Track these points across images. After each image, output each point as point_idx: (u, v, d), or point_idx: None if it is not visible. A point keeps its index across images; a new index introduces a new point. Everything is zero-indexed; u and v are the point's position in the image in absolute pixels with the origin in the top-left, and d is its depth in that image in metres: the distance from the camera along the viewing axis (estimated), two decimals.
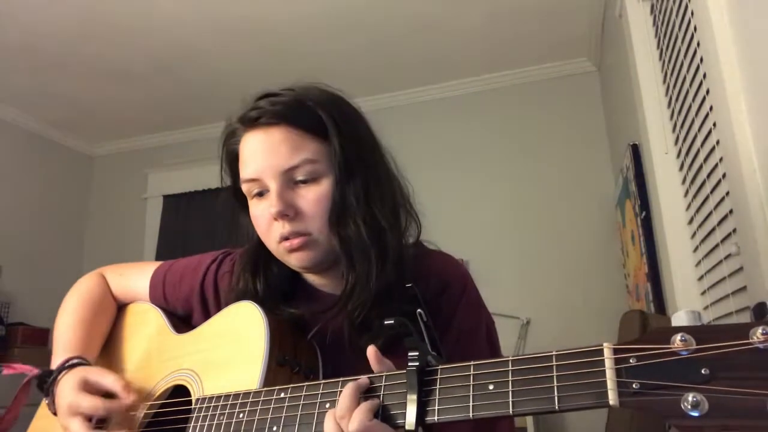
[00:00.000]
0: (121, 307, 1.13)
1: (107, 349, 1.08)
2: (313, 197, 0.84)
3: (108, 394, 0.92)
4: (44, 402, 0.99)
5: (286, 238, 0.84)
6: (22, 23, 2.93)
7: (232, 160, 0.93)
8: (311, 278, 0.94)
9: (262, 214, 0.86)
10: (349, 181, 0.85)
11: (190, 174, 4.18)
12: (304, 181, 0.85)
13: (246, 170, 0.87)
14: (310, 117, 0.86)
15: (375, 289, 0.83)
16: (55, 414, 0.93)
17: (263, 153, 0.85)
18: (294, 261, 0.86)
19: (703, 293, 1.67)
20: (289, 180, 0.85)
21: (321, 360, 0.87)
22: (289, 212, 0.83)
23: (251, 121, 0.88)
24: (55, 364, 0.97)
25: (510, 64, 3.52)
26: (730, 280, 1.38)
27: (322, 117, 0.86)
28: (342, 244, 0.84)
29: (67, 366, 0.95)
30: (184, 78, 3.54)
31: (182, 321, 1.04)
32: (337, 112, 0.88)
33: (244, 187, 0.89)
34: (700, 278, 1.69)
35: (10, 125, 3.88)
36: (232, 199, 0.96)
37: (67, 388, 0.90)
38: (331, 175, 0.85)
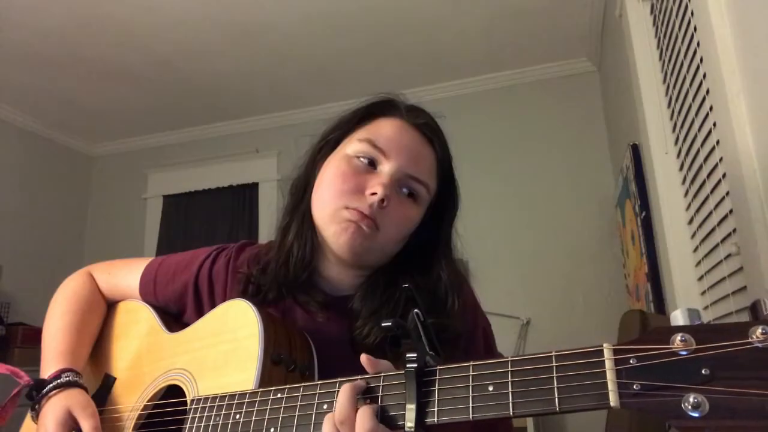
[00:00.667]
0: (111, 305, 1.11)
1: (98, 348, 1.06)
2: (406, 213, 0.87)
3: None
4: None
5: (359, 212, 0.83)
6: (22, 23, 2.93)
7: (363, 118, 0.93)
8: (321, 264, 0.93)
9: (357, 178, 0.85)
10: (451, 228, 0.94)
11: (190, 174, 4.19)
12: (410, 194, 0.87)
13: (381, 138, 0.88)
14: (449, 163, 0.94)
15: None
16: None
17: (409, 147, 0.88)
18: (338, 231, 0.84)
19: (703, 293, 1.67)
20: (403, 182, 0.87)
21: (317, 357, 0.86)
22: (387, 202, 0.83)
23: (415, 120, 0.91)
24: (45, 371, 0.95)
25: (510, 64, 3.52)
26: (730, 280, 1.38)
27: (453, 169, 0.94)
28: (450, 276, 0.89)
29: (58, 383, 0.92)
30: (185, 78, 3.54)
31: (174, 319, 1.03)
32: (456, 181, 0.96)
33: (362, 146, 0.88)
34: (700, 278, 1.68)
35: (10, 125, 3.88)
36: (317, 146, 0.95)
37: (50, 416, 0.88)
38: (423, 208, 0.90)
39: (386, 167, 0.86)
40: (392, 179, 0.85)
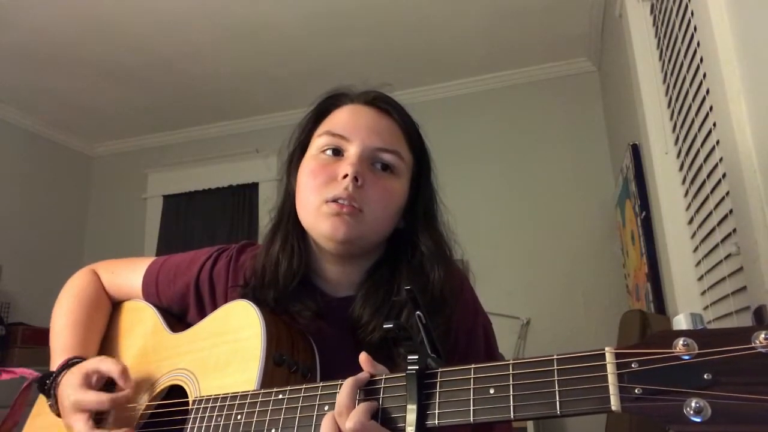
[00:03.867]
0: (115, 305, 1.11)
1: (102, 347, 1.07)
2: (386, 186, 0.87)
3: (110, 385, 0.92)
4: (39, 400, 0.98)
5: (337, 200, 0.83)
6: (22, 23, 2.93)
7: (319, 116, 0.94)
8: (321, 266, 0.93)
9: (326, 169, 0.86)
10: (431, 197, 0.94)
11: (190, 174, 4.18)
12: (384, 167, 0.87)
13: (338, 126, 0.89)
14: (414, 127, 0.94)
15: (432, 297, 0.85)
16: (58, 415, 0.92)
17: (365, 123, 0.88)
18: (328, 227, 0.84)
19: (703, 293, 1.67)
20: (373, 159, 0.87)
21: (319, 359, 0.86)
22: (360, 179, 0.83)
23: (366, 99, 0.92)
24: (54, 366, 0.97)
25: (510, 64, 3.51)
26: (730, 280, 1.38)
27: (421, 134, 0.94)
28: (434, 247, 0.89)
29: (67, 366, 0.94)
30: (184, 78, 3.53)
31: (177, 319, 1.03)
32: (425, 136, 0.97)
33: (324, 139, 0.88)
34: (700, 278, 1.68)
35: (10, 125, 3.87)
36: (287, 159, 0.96)
37: (69, 386, 0.89)
38: (405, 181, 0.90)
39: (351, 149, 0.86)
40: (360, 158, 0.85)
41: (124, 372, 0.89)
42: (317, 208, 0.85)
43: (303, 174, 0.89)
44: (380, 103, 0.91)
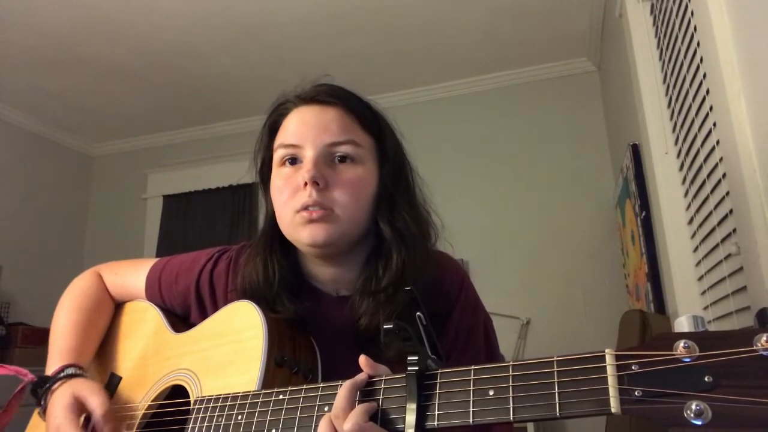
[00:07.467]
0: (119, 305, 1.12)
1: (105, 348, 1.07)
2: (349, 177, 0.86)
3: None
4: (35, 413, 0.98)
5: (306, 208, 0.83)
6: (22, 23, 2.93)
7: (272, 130, 0.94)
8: (314, 270, 0.93)
9: (289, 181, 0.86)
10: (396, 177, 0.91)
11: (190, 174, 4.18)
12: (343, 159, 0.87)
13: (288, 135, 0.89)
14: (365, 108, 0.92)
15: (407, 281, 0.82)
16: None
17: (312, 123, 0.88)
18: (306, 235, 0.84)
19: (703, 293, 1.67)
20: (329, 155, 0.87)
21: (320, 360, 0.86)
22: (320, 181, 0.83)
23: (307, 98, 0.91)
24: (50, 368, 0.96)
25: (510, 64, 3.51)
26: (730, 280, 1.38)
27: (377, 113, 0.93)
28: (394, 232, 0.87)
29: (61, 377, 0.94)
30: (185, 78, 3.53)
31: (180, 319, 1.03)
32: (384, 115, 0.95)
33: (280, 153, 0.89)
34: (700, 278, 1.68)
35: (10, 125, 3.88)
36: (257, 175, 0.98)
37: (58, 405, 0.90)
38: (371, 165, 0.89)
39: (306, 154, 0.86)
40: (314, 161, 0.85)
41: (107, 415, 0.88)
42: (291, 220, 0.86)
43: (273, 191, 0.90)
44: (322, 96, 0.90)
